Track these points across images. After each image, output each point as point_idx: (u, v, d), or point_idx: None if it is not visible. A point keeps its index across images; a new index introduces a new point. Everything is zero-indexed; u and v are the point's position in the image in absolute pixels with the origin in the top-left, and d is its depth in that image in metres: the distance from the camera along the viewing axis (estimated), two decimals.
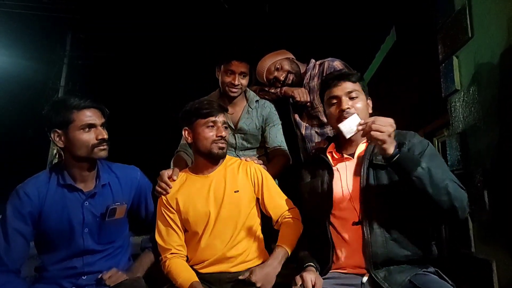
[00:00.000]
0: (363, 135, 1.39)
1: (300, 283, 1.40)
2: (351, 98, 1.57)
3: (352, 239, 1.49)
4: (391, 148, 1.33)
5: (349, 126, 1.44)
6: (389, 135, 1.32)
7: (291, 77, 2.49)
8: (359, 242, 1.46)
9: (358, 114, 1.49)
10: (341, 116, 1.55)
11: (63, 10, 11.81)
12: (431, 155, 1.45)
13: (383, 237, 1.42)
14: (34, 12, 11.48)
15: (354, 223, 1.48)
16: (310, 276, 1.41)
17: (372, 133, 1.32)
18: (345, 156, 1.61)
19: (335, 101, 1.60)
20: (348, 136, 1.47)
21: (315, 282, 1.39)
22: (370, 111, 1.62)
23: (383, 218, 1.44)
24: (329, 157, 1.65)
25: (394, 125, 1.35)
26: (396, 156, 1.33)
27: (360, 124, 1.40)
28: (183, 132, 1.83)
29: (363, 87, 1.62)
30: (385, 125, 1.32)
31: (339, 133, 1.57)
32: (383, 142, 1.31)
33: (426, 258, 1.45)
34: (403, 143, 1.48)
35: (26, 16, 11.60)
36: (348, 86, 1.58)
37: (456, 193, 1.32)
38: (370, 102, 1.64)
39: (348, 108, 1.54)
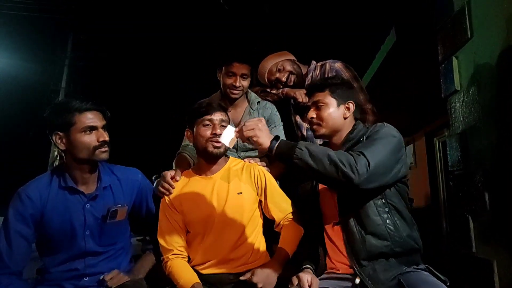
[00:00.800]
0: (242, 140, 1.51)
1: (296, 283, 1.44)
2: (317, 108, 1.65)
3: (337, 239, 1.56)
4: (266, 142, 1.43)
5: (227, 137, 1.55)
6: (259, 130, 1.44)
7: (292, 78, 2.49)
8: (342, 242, 1.52)
9: (321, 122, 1.63)
10: (310, 124, 1.69)
11: (64, 12, 11.83)
12: (372, 138, 1.49)
13: (359, 233, 1.47)
14: (35, 14, 11.50)
15: (335, 224, 1.56)
16: (307, 276, 1.44)
17: (244, 133, 1.45)
18: None
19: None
20: (231, 146, 1.58)
21: (311, 282, 1.42)
22: (347, 115, 1.65)
23: (357, 215, 1.49)
24: None
25: (263, 121, 1.48)
26: (275, 147, 1.42)
27: (235, 131, 1.53)
28: (185, 133, 1.85)
29: (335, 93, 1.65)
30: (253, 123, 1.45)
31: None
32: (256, 137, 1.44)
33: (411, 248, 1.46)
34: (369, 132, 1.54)
35: (27, 18, 11.64)
36: (316, 97, 1.67)
37: (340, 158, 1.35)
38: (350, 105, 1.66)
39: (312, 117, 1.65)
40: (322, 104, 1.64)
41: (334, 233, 1.58)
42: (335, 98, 1.64)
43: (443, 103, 2.07)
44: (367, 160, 1.34)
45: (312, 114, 1.66)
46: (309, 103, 1.71)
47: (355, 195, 1.47)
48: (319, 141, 2.41)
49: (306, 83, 2.48)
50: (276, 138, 1.45)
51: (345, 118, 1.64)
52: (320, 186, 1.66)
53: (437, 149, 6.41)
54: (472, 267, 1.75)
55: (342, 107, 1.64)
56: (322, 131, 1.65)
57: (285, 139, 2.37)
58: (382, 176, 1.39)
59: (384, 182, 1.41)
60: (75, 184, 1.66)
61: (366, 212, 1.47)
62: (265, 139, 1.43)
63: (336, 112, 1.64)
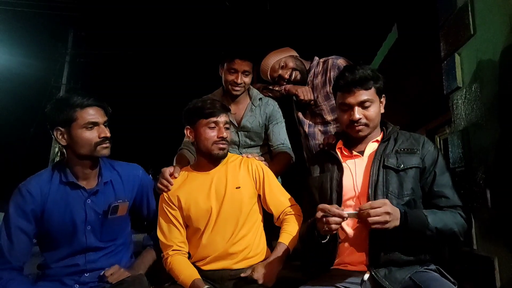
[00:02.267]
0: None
1: (321, 215, 1.34)
2: (364, 108, 1.55)
3: (356, 236, 1.49)
4: (395, 224, 1.32)
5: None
6: (387, 221, 1.29)
7: (296, 74, 2.47)
8: (363, 239, 1.46)
9: (369, 123, 1.53)
10: (352, 125, 1.56)
11: (65, 8, 11.82)
12: (442, 167, 1.52)
13: (387, 237, 1.40)
14: (36, 10, 11.48)
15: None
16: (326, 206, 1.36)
17: (373, 226, 1.30)
18: (354, 153, 1.61)
19: (347, 108, 1.58)
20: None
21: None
22: (382, 111, 1.61)
23: None
24: (338, 153, 1.64)
25: (388, 206, 1.31)
26: (403, 227, 1.33)
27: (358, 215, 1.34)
28: (185, 131, 1.83)
29: (377, 90, 1.58)
30: (380, 213, 1.29)
31: (347, 131, 1.61)
32: (386, 225, 1.30)
33: (428, 258, 1.46)
34: (415, 149, 1.53)
35: (28, 14, 11.63)
36: (361, 95, 1.54)
37: (460, 229, 1.43)
38: (383, 100, 1.62)
39: (360, 118, 1.54)
40: (370, 104, 1.55)
41: (353, 230, 1.50)
42: (378, 94, 1.59)
43: (444, 100, 2.06)
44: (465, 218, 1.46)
45: (358, 114, 1.54)
46: (349, 102, 1.56)
47: (392, 201, 1.42)
48: (320, 137, 2.41)
49: (308, 80, 2.47)
50: (402, 213, 1.35)
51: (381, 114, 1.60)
52: (344, 180, 1.55)
53: (439, 146, 6.41)
54: (473, 264, 1.74)
55: (382, 101, 1.61)
56: (367, 131, 1.58)
57: (287, 136, 2.38)
58: None
59: None
60: (76, 179, 1.66)
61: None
62: (393, 223, 1.32)
63: (378, 109, 1.58)
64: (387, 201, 1.33)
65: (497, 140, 1.60)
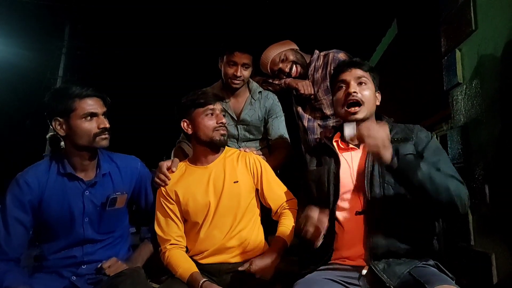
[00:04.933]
0: (359, 140, 1.41)
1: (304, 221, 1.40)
2: (360, 84, 1.56)
3: (353, 229, 1.49)
4: (386, 156, 1.32)
5: (349, 129, 1.49)
6: (384, 147, 1.31)
7: (298, 68, 2.45)
8: (361, 232, 1.46)
9: (364, 102, 1.52)
10: (347, 99, 1.55)
11: (62, 0, 11.72)
12: (434, 149, 1.48)
13: (385, 229, 1.42)
14: (33, 1, 11.39)
15: (358, 213, 1.48)
16: (313, 212, 1.41)
17: (366, 140, 1.32)
18: (351, 146, 1.60)
19: (343, 85, 1.59)
20: (347, 138, 1.51)
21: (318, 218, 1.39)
22: (377, 103, 1.61)
23: (386, 210, 1.44)
24: (335, 146, 1.64)
25: (387, 132, 1.34)
26: (395, 165, 1.33)
27: (355, 129, 1.45)
28: (182, 124, 1.81)
29: (373, 78, 1.61)
30: (380, 139, 1.31)
31: (343, 115, 1.59)
32: (377, 148, 1.31)
33: (426, 253, 1.45)
34: (409, 138, 1.51)
35: (25, 6, 11.53)
36: (358, 72, 1.57)
37: (456, 191, 1.33)
38: (378, 95, 1.62)
39: (355, 92, 1.53)
40: (365, 81, 1.56)
41: (351, 223, 1.51)
42: (374, 83, 1.59)
43: (442, 97, 2.06)
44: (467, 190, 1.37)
45: (354, 87, 1.54)
46: (345, 78, 1.58)
47: (388, 192, 1.45)
48: (318, 130, 2.40)
49: (309, 73, 2.46)
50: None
51: (376, 106, 1.59)
52: (341, 173, 1.55)
53: None
54: (470, 260, 1.75)
55: (377, 95, 1.61)
56: (363, 113, 1.55)
57: (286, 130, 2.38)
58: None
59: None
60: (74, 170, 1.65)
61: (395, 211, 1.44)
62: (385, 153, 1.32)
63: (373, 95, 1.58)
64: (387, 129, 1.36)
65: (497, 137, 1.60)
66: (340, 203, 1.54)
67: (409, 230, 1.42)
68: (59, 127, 1.61)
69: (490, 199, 1.64)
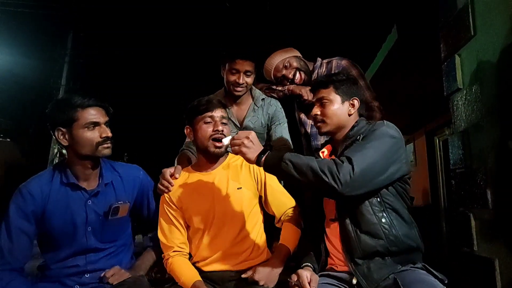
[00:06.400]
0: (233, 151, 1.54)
1: (296, 279, 1.43)
2: (321, 105, 1.64)
3: (333, 236, 1.56)
4: (251, 155, 1.46)
5: (226, 140, 1.64)
6: (245, 147, 1.46)
7: (301, 75, 2.45)
8: (338, 238, 1.53)
9: (325, 119, 1.62)
10: (314, 121, 1.69)
11: (64, 9, 11.80)
12: (366, 138, 1.48)
13: (354, 232, 1.47)
14: (35, 10, 11.47)
15: (331, 220, 1.57)
16: (306, 273, 1.44)
17: (232, 148, 1.51)
18: (332, 156, 1.66)
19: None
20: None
21: (310, 279, 1.42)
22: (352, 112, 1.63)
23: (352, 213, 1.49)
24: (321, 156, 1.68)
25: (251, 135, 1.48)
26: (262, 162, 1.44)
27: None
28: (185, 131, 1.83)
29: (339, 90, 1.64)
30: (239, 141, 1.48)
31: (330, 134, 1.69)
32: (241, 153, 1.47)
33: (407, 247, 1.45)
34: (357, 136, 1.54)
35: (27, 15, 11.60)
36: (319, 93, 1.66)
37: (322, 167, 1.34)
38: (355, 101, 1.64)
39: (317, 114, 1.64)
40: (326, 101, 1.63)
41: (332, 231, 1.58)
42: (340, 95, 1.63)
43: (444, 101, 2.06)
44: (352, 166, 1.32)
45: (316, 111, 1.65)
46: (314, 100, 1.70)
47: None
48: (323, 139, 2.41)
49: (312, 80, 2.46)
50: (264, 151, 1.46)
51: (349, 115, 1.62)
52: None
53: (438, 147, 6.42)
54: (473, 265, 1.75)
55: (347, 103, 1.63)
56: (327, 128, 1.63)
57: (289, 137, 2.38)
58: (371, 181, 1.37)
59: (374, 187, 1.39)
60: (76, 180, 1.66)
61: (361, 211, 1.46)
62: (251, 155, 1.46)
63: (340, 109, 1.62)
64: (254, 133, 1.50)
65: (498, 141, 1.61)
66: (327, 211, 1.62)
67: (378, 227, 1.45)
68: (61, 137, 1.62)
69: (492, 204, 1.64)
